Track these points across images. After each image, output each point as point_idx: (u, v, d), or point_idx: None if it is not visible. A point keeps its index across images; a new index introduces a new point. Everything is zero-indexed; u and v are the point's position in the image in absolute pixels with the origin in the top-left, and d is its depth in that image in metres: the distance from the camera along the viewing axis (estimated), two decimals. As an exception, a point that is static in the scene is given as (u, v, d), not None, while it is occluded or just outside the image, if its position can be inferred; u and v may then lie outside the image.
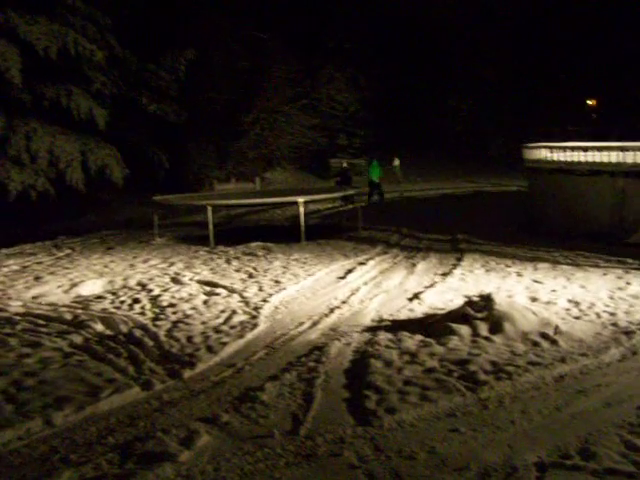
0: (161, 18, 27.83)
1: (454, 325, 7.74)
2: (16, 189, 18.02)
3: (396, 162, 31.80)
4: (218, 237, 16.11)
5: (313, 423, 5.54)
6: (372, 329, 8.17)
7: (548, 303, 9.06)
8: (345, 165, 27.28)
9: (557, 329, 7.56)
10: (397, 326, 8.19)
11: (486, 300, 8.08)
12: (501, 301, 8.11)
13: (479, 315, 7.86)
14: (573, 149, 16.16)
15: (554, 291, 9.80)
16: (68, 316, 9.33)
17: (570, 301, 9.16)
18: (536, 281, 10.52)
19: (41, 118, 19.02)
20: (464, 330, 7.63)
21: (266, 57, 33.79)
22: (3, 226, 18.91)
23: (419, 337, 7.65)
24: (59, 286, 11.64)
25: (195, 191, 26.35)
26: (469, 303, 8.22)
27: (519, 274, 11.13)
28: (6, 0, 18.42)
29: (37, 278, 12.52)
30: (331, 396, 6.11)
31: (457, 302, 9.06)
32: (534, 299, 9.30)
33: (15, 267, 13.98)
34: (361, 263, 12.71)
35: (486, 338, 7.43)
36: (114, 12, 22.09)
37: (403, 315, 8.77)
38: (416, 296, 9.75)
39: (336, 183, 25.60)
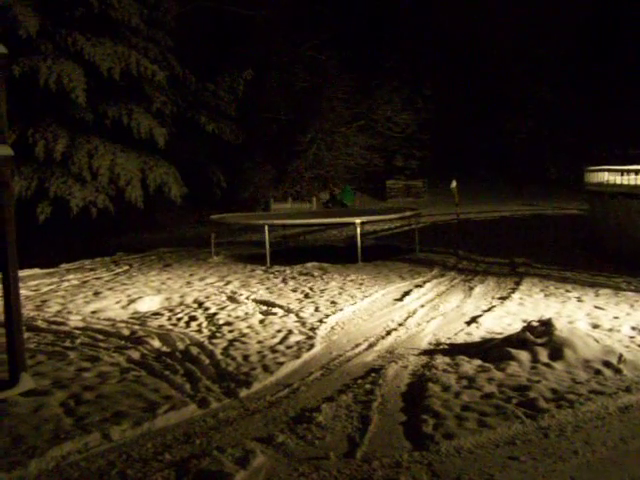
0: (220, 38, 28.27)
1: (513, 350, 7.60)
2: (77, 205, 18.38)
3: (453, 184, 31.51)
4: (274, 256, 16.19)
5: (369, 446, 5.48)
6: (429, 352, 8.07)
7: (611, 330, 8.82)
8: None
9: (621, 357, 7.35)
10: (454, 350, 8.09)
11: (546, 325, 7.92)
12: (561, 327, 7.93)
13: (539, 341, 7.70)
14: (637, 172, 15.79)
15: (617, 318, 9.54)
16: (126, 332, 9.46)
17: (634, 328, 8.89)
18: (598, 307, 10.26)
19: (103, 136, 19.42)
20: (523, 356, 7.49)
21: (323, 78, 34.00)
22: (64, 242, 19.32)
23: (477, 362, 7.53)
24: (117, 302, 11.82)
25: (251, 210, 26.61)
26: (528, 328, 8.06)
27: (580, 299, 10.89)
28: (73, 23, 18.94)
29: (96, 293, 12.74)
30: (388, 419, 6.05)
31: (516, 327, 8.91)
32: (596, 326, 9.07)
33: (75, 282, 14.26)
34: (418, 285, 12.61)
35: (546, 364, 7.27)
36: (175, 33, 22.53)
37: (460, 339, 8.65)
38: (474, 320, 9.61)
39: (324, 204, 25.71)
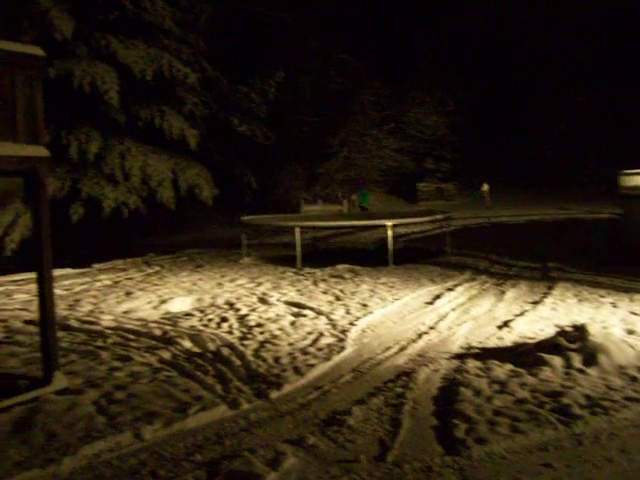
0: (252, 41, 28.38)
1: (546, 355, 7.51)
2: (110, 206, 18.54)
3: (485, 187, 31.44)
4: (305, 258, 16.20)
5: (400, 450, 5.45)
6: (460, 356, 8.01)
7: (646, 336, 8.71)
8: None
9: (656, 364, 7.25)
10: (486, 354, 8.02)
11: (580, 331, 7.82)
12: (596, 332, 7.83)
13: (572, 346, 7.61)
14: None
15: (652, 324, 9.42)
16: (157, 332, 9.51)
17: (670, 335, 8.78)
18: (633, 313, 10.11)
19: (135, 138, 19.58)
20: (556, 361, 7.39)
21: (355, 80, 34.01)
22: (96, 242, 19.51)
23: (509, 366, 7.46)
24: (149, 302, 11.90)
25: (282, 212, 26.65)
26: (561, 333, 7.97)
27: (614, 305, 10.74)
28: (108, 26, 19.13)
29: (128, 293, 12.85)
30: (419, 423, 6.00)
31: (548, 332, 8.81)
32: (631, 332, 8.93)
33: (107, 282, 14.41)
34: (449, 289, 12.54)
35: (580, 370, 7.18)
36: (207, 35, 22.64)
37: (492, 343, 8.58)
38: (506, 324, 9.53)
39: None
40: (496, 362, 7.59)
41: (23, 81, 6.47)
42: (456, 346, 8.53)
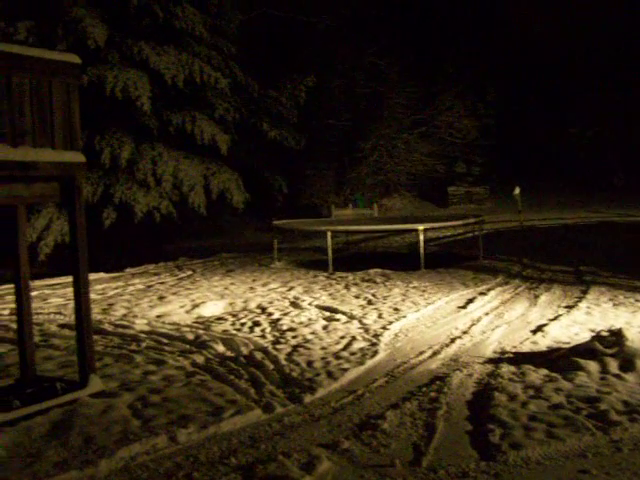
0: (282, 45, 28.49)
1: (581, 360, 7.43)
2: (142, 211, 18.71)
3: (516, 190, 31.05)
4: (336, 263, 16.20)
5: (435, 455, 5.43)
6: (494, 361, 7.96)
7: (684, 341, 8.57)
8: None
9: (695, 369, 7.14)
10: (520, 359, 7.96)
11: (616, 335, 7.73)
12: (633, 337, 7.75)
13: (608, 351, 7.52)
14: None
15: (690, 329, 9.28)
16: (190, 336, 9.57)
17: None
18: (670, 317, 10.00)
19: (167, 143, 19.74)
20: (592, 366, 7.32)
21: (385, 84, 33.96)
22: (128, 246, 19.69)
23: (544, 371, 7.39)
24: (181, 306, 11.98)
25: (312, 216, 26.68)
26: (597, 338, 7.89)
27: (651, 309, 10.62)
28: (139, 33, 19.32)
29: (161, 298, 12.94)
30: (453, 428, 5.98)
31: (583, 336, 8.73)
32: (668, 336, 8.82)
33: (140, 286, 14.52)
34: (482, 293, 12.47)
35: (616, 376, 7.09)
36: (237, 41, 22.77)
37: (526, 348, 8.51)
38: (540, 329, 9.45)
39: None
40: (530, 367, 7.53)
41: (60, 88, 6.56)
42: (490, 350, 8.48)
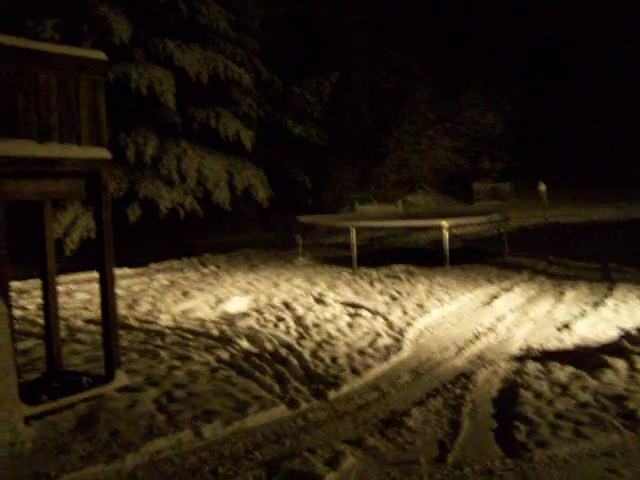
0: (305, 41, 28.46)
1: (608, 358, 7.35)
2: (166, 207, 18.78)
3: (542, 186, 30.87)
4: (360, 259, 16.18)
5: (460, 452, 5.40)
6: (520, 358, 7.91)
7: None
8: None
9: None
10: (546, 356, 7.89)
11: (644, 333, 7.66)
12: (661, 335, 7.67)
13: (636, 349, 7.45)
14: None
15: None
16: (215, 332, 9.60)
17: None
18: (699, 315, 9.87)
19: (191, 139, 19.79)
20: (620, 364, 7.23)
21: (409, 80, 33.83)
22: (153, 242, 19.79)
23: (570, 369, 7.32)
24: (206, 302, 12.03)
25: (336, 212, 26.65)
26: (625, 336, 7.82)
27: (679, 307, 10.48)
28: (164, 30, 19.39)
29: (185, 293, 13.00)
30: (479, 425, 5.94)
31: (610, 334, 8.65)
32: (697, 334, 8.70)
33: (164, 282, 14.60)
34: (506, 289, 12.38)
35: (645, 374, 7.02)
36: (261, 37, 22.77)
37: (552, 345, 8.44)
38: (566, 326, 9.36)
39: None
40: (556, 364, 7.47)
41: (87, 85, 6.60)
42: (515, 348, 8.42)
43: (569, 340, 8.63)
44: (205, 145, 20.04)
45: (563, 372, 7.23)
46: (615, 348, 7.60)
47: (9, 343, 5.75)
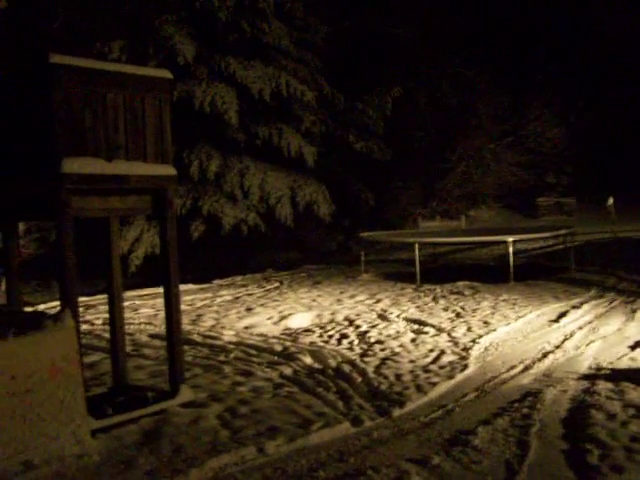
0: (367, 57, 28.45)
1: (685, 378, 7.10)
2: (229, 223, 18.93)
3: (610, 201, 30.12)
4: (424, 275, 16.03)
5: (529, 473, 5.23)
6: (589, 377, 7.68)
7: None
8: None
9: None
10: (618, 376, 7.64)
11: None
12: None
13: None
14: None
15: None
16: (278, 347, 9.60)
17: None
18: None
19: (253, 156, 19.94)
20: (698, 385, 6.97)
21: (472, 94, 33.52)
22: (216, 258, 19.96)
23: (644, 389, 7.08)
24: (269, 318, 12.05)
25: (398, 229, 26.51)
26: (701, 355, 7.53)
27: None
28: (227, 48, 19.65)
29: (248, 309, 13.05)
30: (547, 446, 5.77)
31: (686, 353, 8.36)
32: None
33: (228, 297, 14.69)
34: (574, 306, 12.09)
35: None
36: (323, 53, 22.86)
37: (624, 364, 8.18)
38: (638, 344, 9.07)
39: None
40: (629, 385, 7.23)
41: (153, 103, 6.70)
42: (584, 366, 8.19)
43: (642, 359, 8.36)
44: (267, 161, 20.17)
45: (637, 393, 6.99)
46: (691, 368, 7.32)
47: (77, 357, 5.83)
